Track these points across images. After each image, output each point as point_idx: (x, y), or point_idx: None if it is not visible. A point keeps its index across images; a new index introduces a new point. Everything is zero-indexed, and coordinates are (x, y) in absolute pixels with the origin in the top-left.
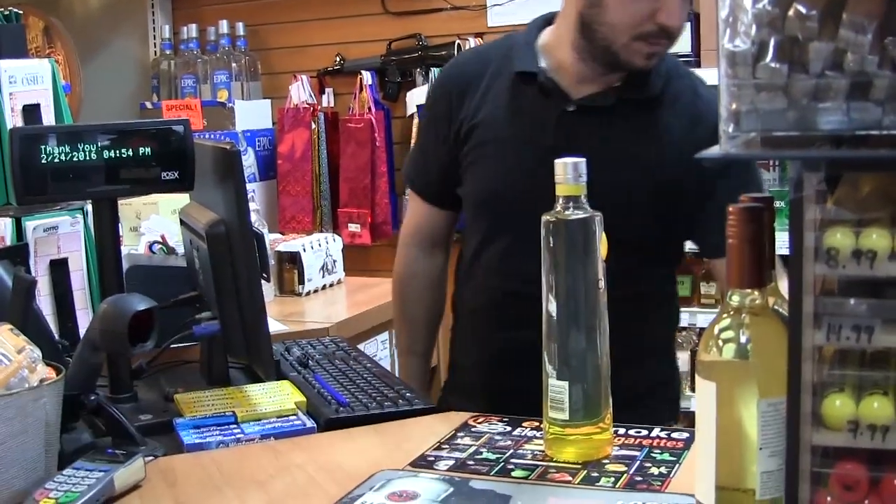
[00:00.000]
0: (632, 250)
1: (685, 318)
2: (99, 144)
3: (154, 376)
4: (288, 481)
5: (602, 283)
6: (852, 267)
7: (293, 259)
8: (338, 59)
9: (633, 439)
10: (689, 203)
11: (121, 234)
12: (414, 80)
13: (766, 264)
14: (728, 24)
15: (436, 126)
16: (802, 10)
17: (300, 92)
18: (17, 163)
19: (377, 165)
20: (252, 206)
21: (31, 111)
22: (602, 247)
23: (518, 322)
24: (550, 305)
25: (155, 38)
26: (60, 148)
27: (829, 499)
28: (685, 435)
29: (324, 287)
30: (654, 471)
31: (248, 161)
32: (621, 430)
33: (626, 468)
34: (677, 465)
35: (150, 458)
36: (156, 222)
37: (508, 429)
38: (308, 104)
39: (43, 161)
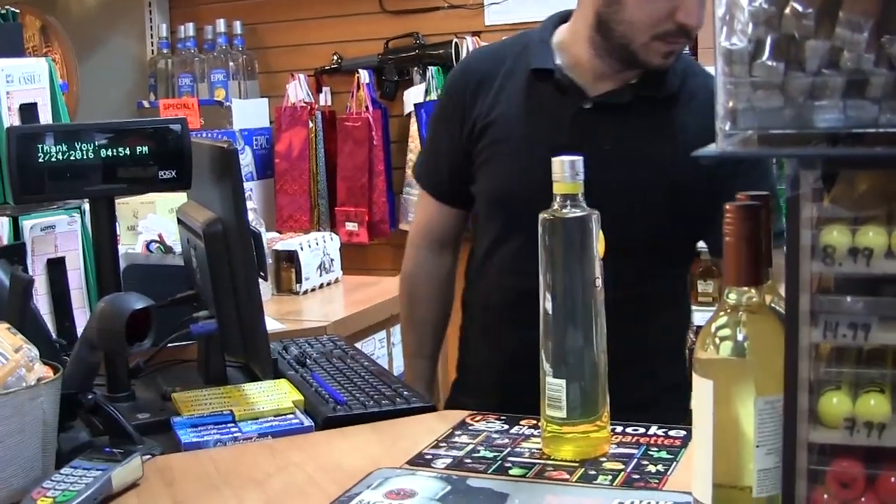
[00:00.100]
0: (645, 249)
1: None
2: (96, 143)
3: (151, 375)
4: (286, 480)
5: (599, 282)
6: (849, 265)
7: (290, 258)
8: (335, 57)
9: (630, 437)
10: (702, 202)
11: (118, 233)
12: (411, 78)
13: (764, 262)
14: (725, 22)
15: (448, 124)
16: (799, 8)
17: (297, 91)
18: (15, 162)
19: (374, 164)
20: (249, 204)
21: (28, 110)
22: (599, 245)
23: (532, 321)
24: (547, 303)
25: (152, 37)
26: (57, 147)
27: (825, 496)
28: (682, 433)
29: (321, 286)
30: (652, 469)
31: (246, 160)
32: (618, 429)
33: (623, 466)
34: (674, 463)
35: (148, 456)
36: (153, 221)
37: (506, 427)
38: (305, 103)
39: (40, 160)
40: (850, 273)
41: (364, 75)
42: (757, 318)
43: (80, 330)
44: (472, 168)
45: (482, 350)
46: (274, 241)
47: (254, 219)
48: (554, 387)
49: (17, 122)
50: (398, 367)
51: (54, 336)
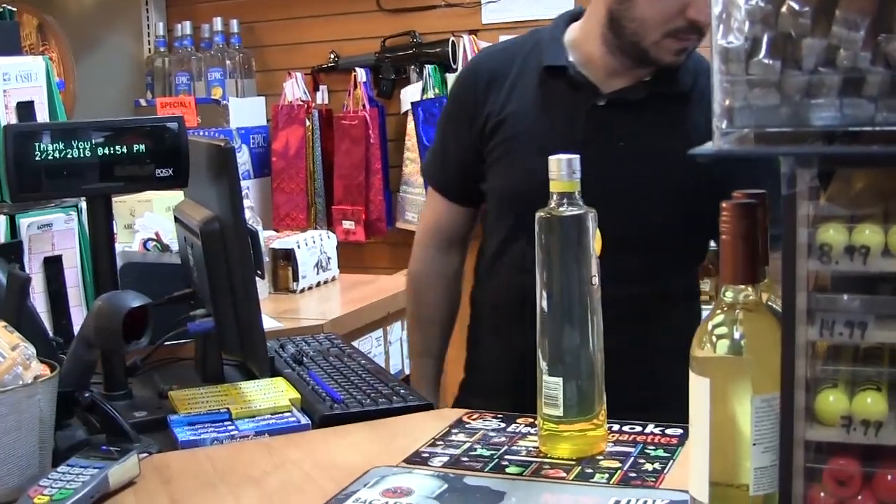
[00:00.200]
0: (657, 246)
1: None
2: (93, 141)
3: (148, 373)
4: (283, 478)
5: (596, 280)
6: (845, 263)
7: (287, 256)
8: (332, 56)
9: (627, 435)
10: (715, 200)
11: (115, 231)
12: (408, 77)
13: (760, 260)
14: (721, 21)
15: (458, 122)
16: (795, 6)
17: (294, 89)
18: (12, 160)
19: (371, 162)
20: (246, 203)
21: (25, 108)
22: (596, 244)
23: None
24: (544, 302)
25: (149, 36)
26: (55, 145)
27: (822, 494)
28: (679, 431)
29: (318, 284)
30: (649, 467)
31: (243, 158)
32: (615, 427)
33: (620, 464)
34: (671, 462)
35: (145, 454)
36: (150, 219)
37: (503, 425)
38: (302, 101)
39: (37, 158)
40: (846, 271)
41: (361, 74)
42: (754, 317)
43: (76, 328)
44: (483, 166)
45: (493, 350)
46: (271, 240)
47: (251, 217)
48: (550, 385)
49: (13, 120)
50: (395, 365)
51: (51, 334)
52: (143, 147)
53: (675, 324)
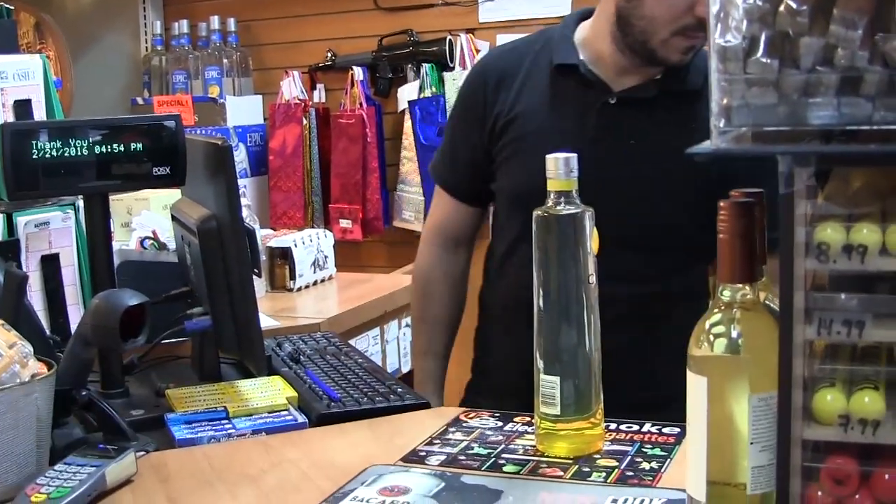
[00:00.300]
0: (668, 244)
1: None
2: (90, 140)
3: (145, 372)
4: (280, 476)
5: (593, 279)
6: (843, 262)
7: (284, 255)
8: (329, 54)
9: (624, 434)
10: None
11: (112, 229)
12: (405, 75)
13: (757, 259)
14: (719, 20)
15: (466, 122)
16: (793, 5)
17: (291, 88)
18: (9, 158)
19: (368, 161)
20: (243, 201)
21: (23, 106)
22: (594, 242)
23: None
24: (541, 300)
25: (146, 34)
26: (52, 143)
27: (820, 493)
28: (676, 430)
29: (315, 283)
30: (646, 466)
31: (240, 157)
32: (612, 426)
33: (617, 463)
34: (668, 460)
35: (142, 453)
36: (147, 218)
37: (500, 424)
38: (299, 100)
39: (34, 156)
40: (844, 270)
41: (358, 72)
42: (751, 315)
43: (73, 326)
44: (493, 166)
45: (502, 350)
46: (268, 238)
47: (248, 215)
48: (548, 384)
49: (11, 118)
50: (392, 363)
51: (48, 332)
52: (140, 145)
53: (682, 324)
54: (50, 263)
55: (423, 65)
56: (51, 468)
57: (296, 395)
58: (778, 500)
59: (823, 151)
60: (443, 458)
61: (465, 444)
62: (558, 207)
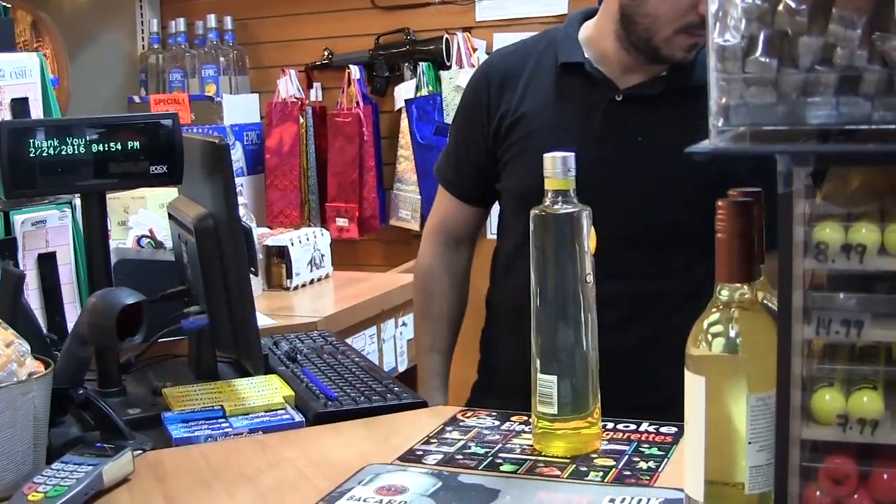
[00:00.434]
0: (676, 242)
1: None
2: (87, 138)
3: (142, 370)
4: (277, 475)
5: (591, 278)
6: (842, 261)
7: (281, 253)
8: (326, 53)
9: (621, 434)
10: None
11: (108, 228)
12: (402, 74)
13: (756, 259)
14: (718, 19)
15: (471, 125)
16: (792, 4)
17: (288, 86)
18: (6, 157)
19: (365, 160)
20: (240, 200)
21: (20, 105)
22: (591, 242)
23: None
24: (539, 300)
25: (143, 32)
26: (49, 142)
27: (818, 493)
28: (673, 429)
29: (312, 281)
30: (643, 465)
31: (236, 155)
32: (609, 425)
33: (614, 462)
34: (666, 460)
35: (139, 452)
36: (144, 216)
37: (497, 423)
38: (296, 98)
39: (31, 155)
40: (843, 270)
41: (355, 71)
42: (749, 315)
43: (70, 325)
44: (498, 166)
45: (509, 351)
46: (264, 237)
47: (244, 214)
48: (545, 383)
49: (8, 116)
50: (388, 362)
51: (45, 331)
52: (137, 144)
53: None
54: (47, 262)
55: (420, 63)
56: (48, 467)
57: (293, 393)
58: (776, 499)
59: (822, 151)
60: (440, 457)
61: (462, 443)
62: (556, 206)
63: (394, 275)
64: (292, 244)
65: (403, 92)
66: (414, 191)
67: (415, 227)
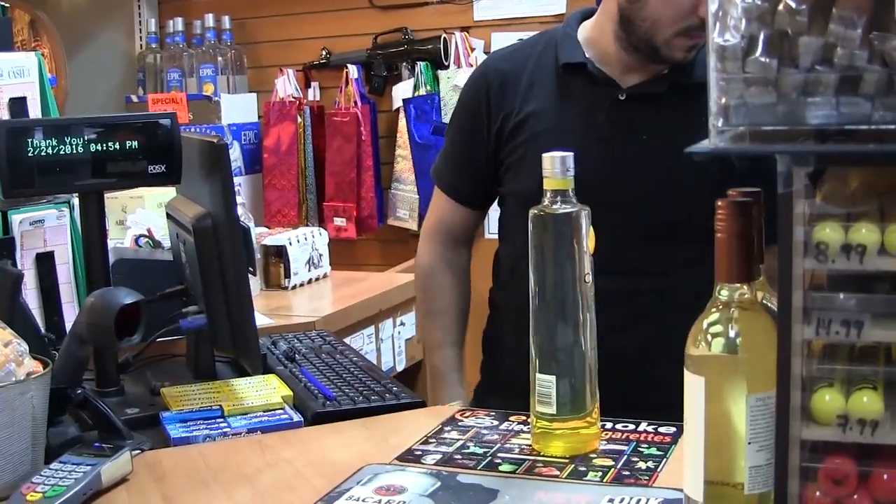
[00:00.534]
0: (684, 239)
1: None
2: (86, 138)
3: (140, 370)
4: (275, 475)
5: (589, 278)
6: (842, 261)
7: (279, 253)
8: (324, 52)
9: (620, 433)
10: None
11: (107, 227)
12: (400, 73)
13: (755, 259)
14: (718, 19)
15: (472, 125)
16: (792, 4)
17: (286, 86)
18: (4, 156)
19: (363, 159)
20: (238, 199)
21: (18, 104)
22: (590, 241)
23: None
24: (537, 299)
25: (141, 32)
26: (47, 141)
27: (818, 493)
28: (672, 429)
29: (310, 281)
30: (642, 465)
31: (234, 155)
32: (608, 425)
33: (613, 462)
34: (664, 460)
35: (137, 451)
36: (142, 216)
37: (495, 423)
38: (294, 98)
39: (30, 154)
40: (843, 270)
41: (353, 70)
42: (749, 315)
43: (68, 324)
44: (500, 169)
45: (519, 352)
46: (262, 236)
47: (242, 214)
48: (543, 383)
49: (6, 116)
50: (386, 362)
51: (43, 330)
52: (135, 143)
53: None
54: (45, 261)
55: (418, 63)
56: (46, 467)
57: (291, 393)
58: (776, 500)
59: (822, 151)
60: (438, 457)
61: (460, 443)
62: (554, 206)
63: (392, 274)
64: (290, 244)
65: (401, 91)
66: (412, 190)
67: (413, 226)
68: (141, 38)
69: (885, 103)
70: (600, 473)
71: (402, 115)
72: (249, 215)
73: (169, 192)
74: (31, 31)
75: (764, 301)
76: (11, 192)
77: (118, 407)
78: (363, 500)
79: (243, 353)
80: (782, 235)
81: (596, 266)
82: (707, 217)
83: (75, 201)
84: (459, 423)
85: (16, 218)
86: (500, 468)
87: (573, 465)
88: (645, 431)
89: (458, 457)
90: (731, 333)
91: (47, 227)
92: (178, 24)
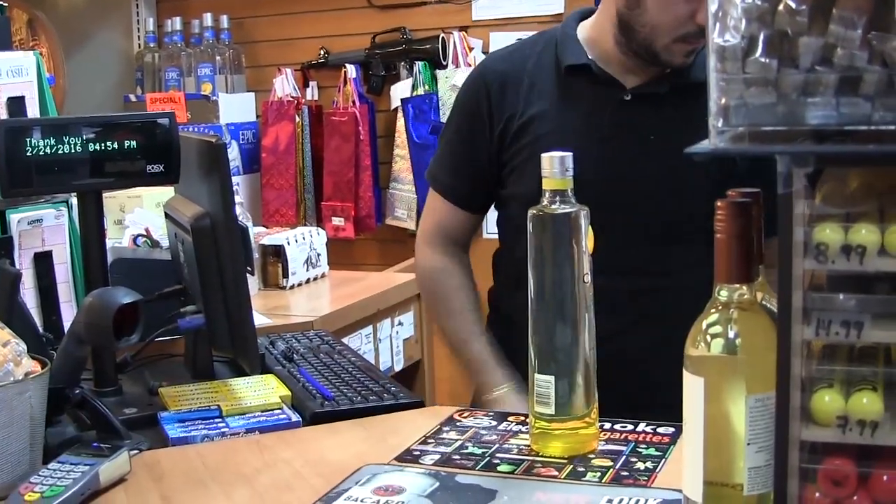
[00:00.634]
0: (691, 237)
1: None
2: (84, 137)
3: (139, 370)
4: (274, 475)
5: (588, 278)
6: (842, 262)
7: (277, 252)
8: (322, 52)
9: (618, 434)
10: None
11: (105, 227)
12: (398, 73)
13: (755, 259)
14: (718, 19)
15: (472, 128)
16: (792, 4)
17: (284, 85)
18: (3, 156)
19: (361, 159)
20: (236, 199)
21: (16, 103)
22: (589, 241)
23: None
24: (536, 299)
25: (139, 31)
26: (46, 141)
27: (817, 494)
28: (671, 430)
29: (308, 280)
30: (640, 466)
31: (232, 154)
32: (607, 425)
33: (612, 463)
34: (663, 460)
35: (135, 451)
36: (140, 215)
37: (494, 423)
38: (292, 97)
39: (28, 154)
40: (843, 270)
41: (351, 70)
42: (748, 316)
43: (66, 324)
44: (503, 172)
45: (522, 355)
46: (260, 236)
47: (241, 213)
48: (542, 383)
49: (4, 115)
50: (385, 362)
51: (41, 330)
52: (134, 143)
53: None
54: (43, 261)
55: (416, 63)
56: (44, 467)
57: (289, 393)
58: (775, 501)
59: (822, 151)
60: (437, 457)
61: (459, 443)
62: (553, 206)
63: (390, 274)
64: (288, 243)
65: (399, 91)
66: (410, 190)
67: (411, 226)
68: (139, 37)
69: (885, 104)
70: (599, 474)
71: (400, 114)
72: (247, 215)
73: (167, 192)
74: (30, 30)
75: (763, 302)
76: (10, 191)
77: (116, 407)
78: (362, 501)
79: (241, 352)
80: (782, 236)
81: (598, 266)
82: (709, 217)
83: (73, 201)
84: (458, 424)
85: (14, 217)
86: (499, 468)
87: (572, 466)
88: (643, 432)
89: (457, 457)
90: (731, 334)
91: (45, 227)
92: (176, 23)
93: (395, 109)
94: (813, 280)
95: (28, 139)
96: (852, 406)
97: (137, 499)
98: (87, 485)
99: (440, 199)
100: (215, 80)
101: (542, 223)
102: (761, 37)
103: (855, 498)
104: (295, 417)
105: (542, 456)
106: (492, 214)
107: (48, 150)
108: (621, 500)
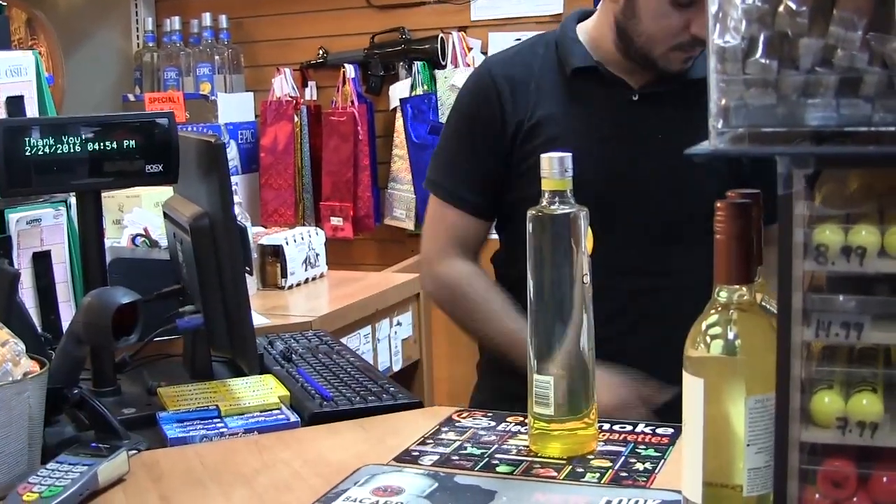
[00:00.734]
0: (699, 236)
1: None
2: (83, 137)
3: (137, 370)
4: (272, 476)
5: (587, 278)
6: (842, 263)
7: (276, 252)
8: (321, 52)
9: (617, 435)
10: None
11: (104, 226)
12: (397, 73)
13: (754, 260)
14: (718, 20)
15: (483, 136)
16: (792, 6)
17: (283, 85)
18: (1, 155)
19: (360, 159)
20: (235, 199)
21: (15, 103)
22: (588, 242)
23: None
24: (535, 300)
25: (138, 31)
26: (44, 140)
27: (817, 496)
28: (670, 431)
29: (306, 280)
30: (640, 466)
31: (231, 154)
32: (605, 426)
33: (611, 464)
34: (662, 461)
35: (134, 451)
36: (138, 215)
37: (493, 424)
38: (291, 97)
39: (27, 153)
40: (842, 272)
41: (350, 70)
42: (748, 317)
43: (65, 324)
44: (513, 175)
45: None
46: (259, 236)
47: (239, 213)
48: (541, 384)
49: (3, 115)
50: (383, 362)
51: (40, 330)
52: (133, 142)
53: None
54: (41, 260)
55: (415, 63)
56: (42, 467)
57: (288, 393)
58: (775, 502)
59: (822, 152)
60: (436, 458)
61: (458, 444)
62: (552, 207)
63: (388, 274)
64: (287, 243)
65: (398, 91)
66: (408, 190)
67: (409, 226)
68: (138, 36)
69: (885, 105)
70: (598, 475)
71: (398, 114)
72: (246, 214)
73: (166, 192)
74: (29, 29)
75: (763, 303)
76: (8, 191)
77: (115, 407)
78: (361, 501)
79: (240, 352)
80: (782, 237)
81: (598, 266)
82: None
83: (72, 200)
84: (457, 424)
85: (13, 217)
86: (498, 469)
87: (571, 467)
88: (643, 433)
89: (456, 458)
90: (730, 335)
91: (44, 227)
92: (174, 22)
93: (394, 109)
94: (813, 281)
95: (27, 139)
96: (852, 407)
97: (136, 499)
98: (86, 485)
99: (451, 208)
100: (214, 80)
101: (541, 224)
102: (761, 38)
103: (855, 499)
104: (294, 418)
105: (540, 456)
106: None
107: (47, 150)
108: (620, 501)
